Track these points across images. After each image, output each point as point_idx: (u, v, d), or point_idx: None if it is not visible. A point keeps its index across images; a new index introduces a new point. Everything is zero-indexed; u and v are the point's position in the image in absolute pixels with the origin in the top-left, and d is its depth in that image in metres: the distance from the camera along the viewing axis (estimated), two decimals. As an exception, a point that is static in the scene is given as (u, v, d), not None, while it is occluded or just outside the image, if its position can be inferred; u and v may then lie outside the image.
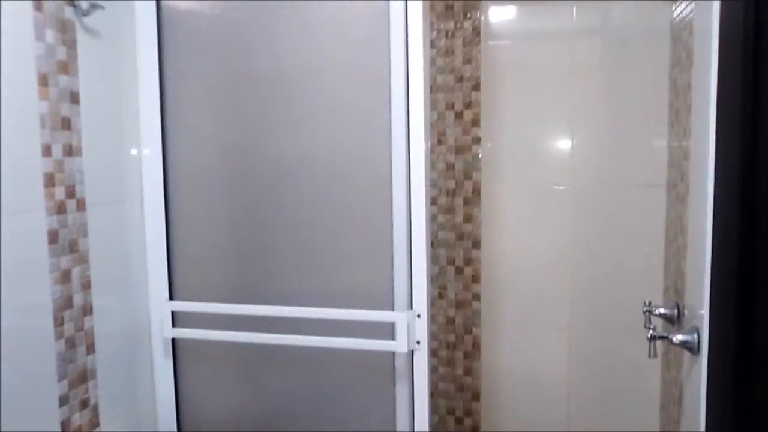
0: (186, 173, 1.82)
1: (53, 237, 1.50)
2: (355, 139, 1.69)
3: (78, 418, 1.60)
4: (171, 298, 1.84)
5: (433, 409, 2.53)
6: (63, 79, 1.53)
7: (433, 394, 2.52)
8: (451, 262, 2.49)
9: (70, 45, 1.55)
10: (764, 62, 0.80)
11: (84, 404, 1.62)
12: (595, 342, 2.39)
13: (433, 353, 2.50)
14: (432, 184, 2.47)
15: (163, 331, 1.82)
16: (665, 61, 2.21)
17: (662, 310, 1.80)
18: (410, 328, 1.62)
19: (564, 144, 2.37)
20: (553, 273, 2.41)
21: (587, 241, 2.37)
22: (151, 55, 1.78)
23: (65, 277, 1.54)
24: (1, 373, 1.35)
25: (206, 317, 1.81)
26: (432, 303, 2.51)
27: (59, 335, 1.53)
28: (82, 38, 1.59)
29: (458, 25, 2.42)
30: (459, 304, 2.50)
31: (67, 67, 1.54)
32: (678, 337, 1.40)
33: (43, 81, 1.47)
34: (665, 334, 1.53)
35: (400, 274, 1.66)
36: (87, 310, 1.62)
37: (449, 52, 2.43)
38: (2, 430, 1.36)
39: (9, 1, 1.37)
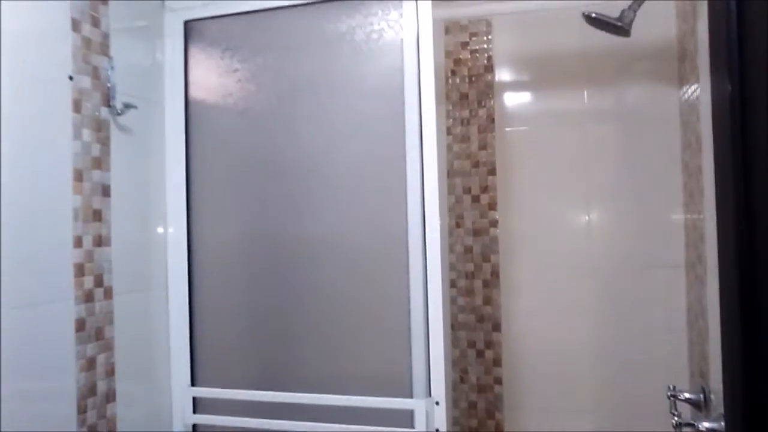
0: (209, 258, 1.88)
1: (80, 325, 1.55)
2: (373, 226, 1.74)
3: None
4: (193, 384, 1.85)
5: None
6: (96, 174, 1.62)
7: None
8: (472, 345, 2.48)
9: (104, 142, 1.65)
10: (753, 141, 0.84)
11: (103, 494, 1.62)
12: (620, 427, 2.33)
13: (456, 438, 2.46)
14: (450, 266, 2.49)
15: (184, 417, 1.83)
16: (677, 144, 2.26)
17: (688, 395, 1.76)
18: (429, 416, 1.61)
19: (581, 225, 2.40)
20: (575, 355, 2.38)
21: (609, 322, 2.35)
22: (178, 148, 1.88)
23: (90, 364, 1.58)
24: (23, 463, 1.37)
25: (227, 404, 1.81)
26: (453, 387, 2.48)
27: (82, 422, 1.55)
28: (115, 135, 1.70)
29: (473, 113, 2.51)
30: (481, 388, 2.47)
31: (100, 162, 1.64)
32: (705, 425, 1.37)
33: (78, 176, 1.56)
34: (692, 422, 1.49)
35: (418, 359, 1.66)
36: (110, 396, 1.65)
37: (465, 138, 2.51)
38: None
39: (50, 100, 1.48)
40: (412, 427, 1.62)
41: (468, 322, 2.48)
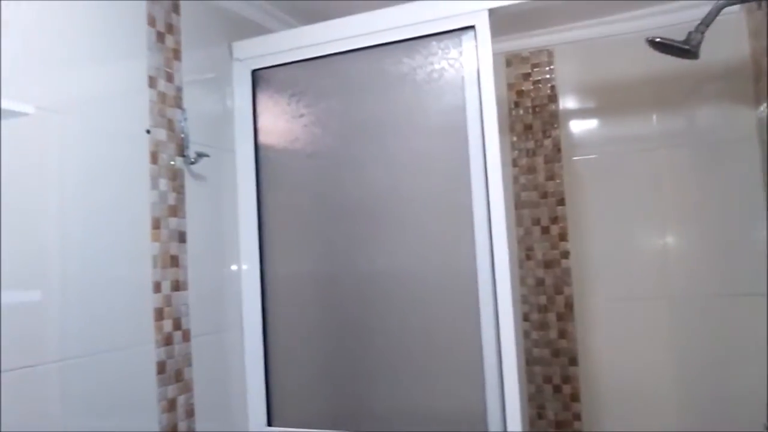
0: (282, 297, 1.92)
1: (161, 367, 1.61)
2: (442, 261, 1.74)
3: None
4: (269, 423, 1.88)
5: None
6: (173, 221, 1.69)
7: None
8: (548, 380, 2.41)
9: (179, 190, 1.73)
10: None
11: None
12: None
13: (535, 478, 2.38)
14: (522, 299, 2.45)
15: (261, 457, 1.86)
16: (756, 164, 2.16)
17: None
18: (505, 454, 1.58)
19: (657, 253, 2.31)
20: (655, 389, 2.28)
21: (688, 354, 2.24)
22: (250, 192, 1.95)
23: (171, 405, 1.63)
24: (111, 503, 1.42)
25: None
26: (531, 423, 2.41)
27: (164, 463, 1.60)
28: (189, 183, 1.77)
29: (539, 144, 2.49)
30: (559, 425, 2.39)
31: (176, 210, 1.71)
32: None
33: (156, 224, 1.64)
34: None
35: (492, 395, 1.63)
36: (190, 437, 1.69)
37: (532, 169, 2.49)
38: None
39: (130, 154, 1.57)
40: (489, 466, 1.59)
41: (543, 356, 2.42)
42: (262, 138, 1.97)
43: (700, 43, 1.76)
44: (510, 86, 2.55)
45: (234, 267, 1.93)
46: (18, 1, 1.31)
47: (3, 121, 1.24)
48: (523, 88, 2.54)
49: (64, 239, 1.38)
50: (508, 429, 1.60)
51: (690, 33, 1.76)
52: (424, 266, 1.76)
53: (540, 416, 2.41)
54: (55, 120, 1.38)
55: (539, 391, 2.42)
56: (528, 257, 2.47)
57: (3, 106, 1.11)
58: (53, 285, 1.34)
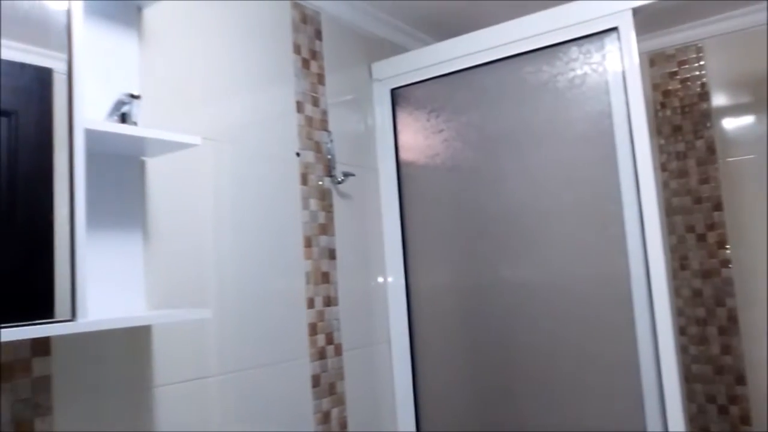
0: (427, 310, 1.93)
1: (316, 381, 1.67)
2: (591, 273, 1.67)
3: None
4: (418, 436, 1.90)
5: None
6: (323, 239, 1.76)
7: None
8: (712, 399, 2.24)
9: (328, 209, 1.80)
10: None
11: None
12: None
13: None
14: (678, 312, 2.30)
15: (411, 471, 1.88)
16: None
17: None
18: (672, 478, 1.48)
19: (836, 260, 2.09)
20: None
21: None
22: (393, 208, 1.99)
23: (326, 418, 1.69)
24: None
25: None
26: (693, 445, 2.25)
27: (322, 474, 1.65)
28: (337, 202, 1.84)
29: (689, 145, 2.34)
30: (727, 448, 2.21)
31: (326, 228, 1.78)
32: None
33: (308, 242, 1.71)
34: None
35: (652, 415, 1.54)
36: (344, 449, 1.74)
37: (683, 173, 2.34)
38: None
39: (282, 176, 1.65)
40: (654, 491, 1.50)
41: (704, 373, 2.25)
42: (403, 155, 2.00)
43: None
44: (655, 86, 2.42)
45: (380, 281, 1.97)
46: (184, 39, 1.43)
47: (173, 154, 1.35)
48: (669, 87, 2.40)
49: (225, 258, 1.48)
50: (673, 451, 1.50)
51: None
52: (571, 278, 1.70)
53: (703, 438, 2.25)
54: (217, 147, 1.49)
55: (702, 411, 2.25)
56: (683, 267, 2.31)
57: (176, 139, 1.21)
58: (217, 303, 1.44)
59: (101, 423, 1.18)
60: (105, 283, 1.22)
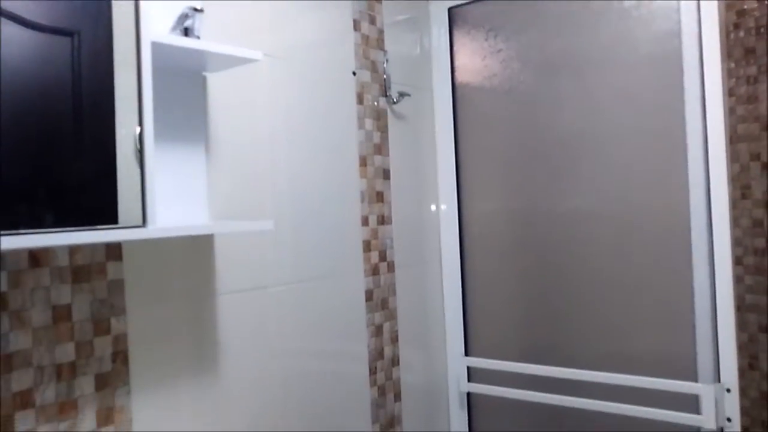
0: (479, 234, 1.95)
1: (369, 296, 1.73)
2: (648, 198, 1.65)
3: (387, 460, 1.78)
4: (466, 354, 1.96)
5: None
6: (378, 159, 1.78)
7: (746, 479, 2.24)
8: (764, 329, 2.22)
9: (383, 130, 1.81)
10: None
11: (392, 447, 1.80)
12: None
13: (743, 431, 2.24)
14: (736, 242, 2.26)
15: (459, 385, 1.95)
16: None
17: None
18: (718, 403, 1.50)
19: None
20: None
21: None
22: (448, 130, 1.98)
23: (378, 331, 1.76)
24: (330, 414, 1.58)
25: (500, 374, 1.88)
26: (741, 374, 2.25)
27: (373, 382, 1.73)
28: (392, 123, 1.84)
29: (762, 69, 2.22)
30: (775, 378, 2.21)
31: (381, 148, 1.79)
32: None
33: (363, 162, 1.73)
34: None
35: (704, 342, 1.55)
36: (395, 361, 1.81)
37: (752, 98, 2.24)
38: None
39: (339, 95, 1.66)
40: (698, 413, 1.52)
41: (759, 303, 2.23)
42: (459, 76, 1.97)
43: None
44: (729, 6, 2.29)
45: (433, 203, 1.99)
46: (244, -44, 1.43)
47: (234, 69, 1.37)
48: (745, 6, 2.26)
49: (282, 174, 1.52)
50: (722, 380, 1.51)
51: None
52: (629, 206, 1.68)
53: (751, 367, 2.25)
54: (276, 65, 1.50)
55: (752, 340, 2.24)
56: (744, 196, 2.25)
57: (238, 54, 1.23)
58: (275, 217, 1.49)
59: (169, 325, 1.26)
60: (171, 196, 1.27)
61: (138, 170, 1.06)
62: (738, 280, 2.25)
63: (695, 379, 1.55)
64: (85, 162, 1.00)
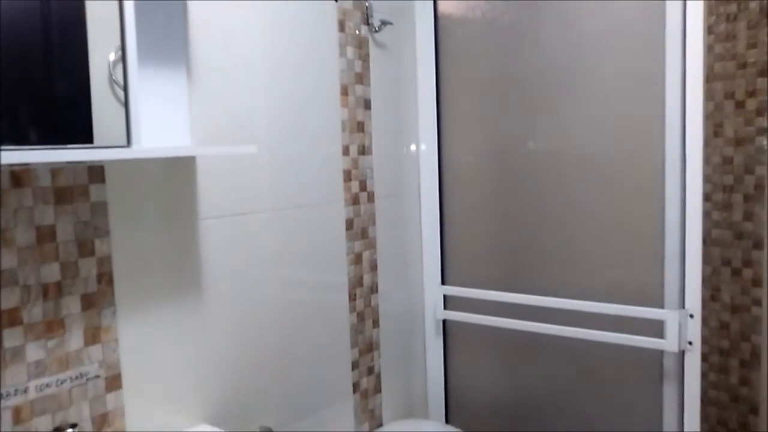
0: (458, 168, 1.97)
1: (349, 224, 1.76)
2: (624, 134, 1.68)
3: (365, 382, 1.84)
4: (443, 283, 2.01)
5: (703, 418, 2.38)
6: (359, 89, 1.77)
7: (702, 401, 2.37)
8: (727, 262, 2.31)
9: (365, 59, 1.79)
10: None
11: (370, 371, 1.86)
12: None
13: (702, 358, 2.35)
14: (706, 179, 2.31)
15: (435, 312, 2.01)
16: None
17: None
18: (681, 327, 1.57)
19: None
20: None
21: None
22: (429, 62, 1.97)
23: (358, 259, 1.79)
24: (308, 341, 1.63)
25: (475, 302, 1.94)
26: (703, 305, 2.35)
27: (352, 309, 1.78)
28: (374, 52, 1.82)
29: (741, 7, 2.23)
30: (735, 309, 2.31)
31: (362, 77, 1.78)
32: None
33: (344, 91, 1.72)
34: None
35: (671, 271, 1.61)
36: (374, 289, 1.86)
37: (730, 36, 2.25)
38: (309, 388, 1.64)
39: (321, 22, 1.64)
40: (662, 337, 1.60)
41: (723, 238, 2.31)
42: (442, 5, 1.95)
43: None
44: (712, -59, 2.28)
45: (413, 132, 2.00)
46: None
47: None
48: (728, -59, 2.25)
49: (265, 101, 1.51)
50: (686, 306, 1.58)
51: None
52: (606, 142, 1.71)
53: (713, 298, 2.35)
54: (258, -12, 1.47)
55: (715, 273, 2.34)
56: (716, 134, 2.30)
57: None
58: (259, 143, 1.49)
59: (152, 248, 1.27)
60: (153, 119, 1.26)
61: (111, 93, 1.06)
62: (706, 215, 2.32)
63: (662, 306, 1.63)
64: (59, 85, 1.00)
